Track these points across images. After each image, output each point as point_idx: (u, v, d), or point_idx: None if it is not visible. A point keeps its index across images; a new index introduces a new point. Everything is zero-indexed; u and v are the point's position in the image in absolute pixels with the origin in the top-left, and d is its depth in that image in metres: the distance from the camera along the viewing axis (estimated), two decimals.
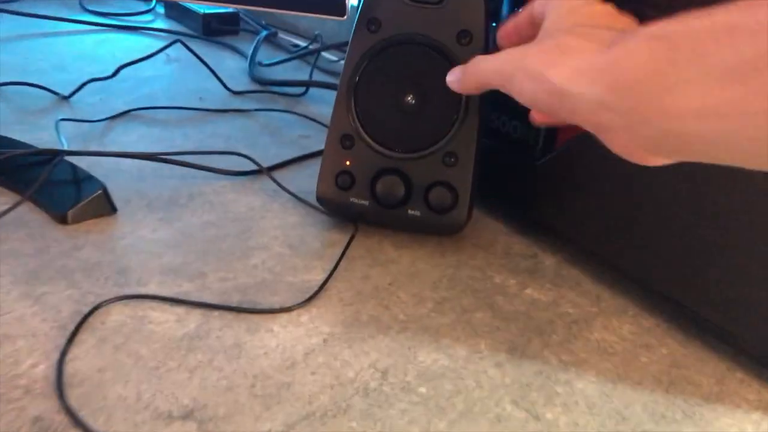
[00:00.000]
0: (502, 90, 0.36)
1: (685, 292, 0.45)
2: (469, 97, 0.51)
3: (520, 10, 0.41)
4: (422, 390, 0.39)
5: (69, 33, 1.01)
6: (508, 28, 0.42)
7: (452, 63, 0.50)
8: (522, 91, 0.34)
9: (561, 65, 0.31)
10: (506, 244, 0.55)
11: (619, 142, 0.31)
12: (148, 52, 0.82)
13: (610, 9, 0.36)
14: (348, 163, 0.53)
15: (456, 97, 0.51)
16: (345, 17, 0.50)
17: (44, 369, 0.37)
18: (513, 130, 0.57)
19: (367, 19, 0.51)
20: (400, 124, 0.52)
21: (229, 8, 0.46)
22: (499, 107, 0.57)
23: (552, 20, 0.36)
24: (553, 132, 0.53)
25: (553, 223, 0.54)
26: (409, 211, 0.52)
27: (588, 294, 0.49)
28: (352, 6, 0.53)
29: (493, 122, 0.58)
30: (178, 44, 0.82)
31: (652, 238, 0.47)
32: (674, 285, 0.46)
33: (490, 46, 0.51)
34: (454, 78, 0.42)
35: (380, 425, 0.36)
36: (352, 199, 0.53)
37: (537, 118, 0.42)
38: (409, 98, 0.51)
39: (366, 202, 0.52)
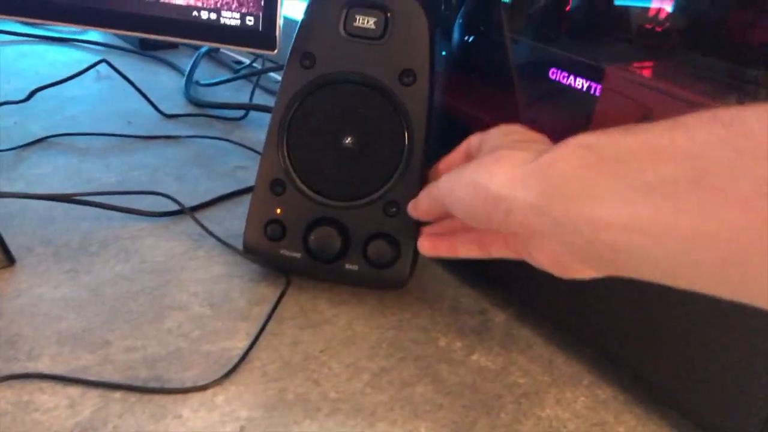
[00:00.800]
0: (447, 208, 0.37)
1: (641, 361, 0.41)
2: (412, 141, 0.46)
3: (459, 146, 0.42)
4: None
5: None
6: (447, 162, 0.43)
7: (394, 104, 0.46)
8: (459, 202, 0.35)
9: (496, 173, 0.32)
10: (453, 298, 0.51)
11: (549, 250, 0.31)
12: (75, 68, 0.75)
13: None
14: (279, 211, 0.47)
15: (398, 140, 0.46)
16: (275, 51, 0.45)
17: None
18: None
19: (301, 53, 0.46)
20: (336, 170, 0.47)
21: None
22: (444, 142, 0.53)
23: (490, 143, 0.37)
24: None
25: (502, 278, 0.50)
26: (347, 266, 0.47)
27: (540, 359, 0.45)
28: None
29: (436, 157, 0.53)
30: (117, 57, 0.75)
31: (604, 300, 0.43)
32: (629, 352, 0.42)
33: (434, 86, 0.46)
34: (410, 208, 0.43)
35: None
36: (282, 252, 0.47)
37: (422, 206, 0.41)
38: (347, 141, 0.46)
39: (298, 255, 0.47)
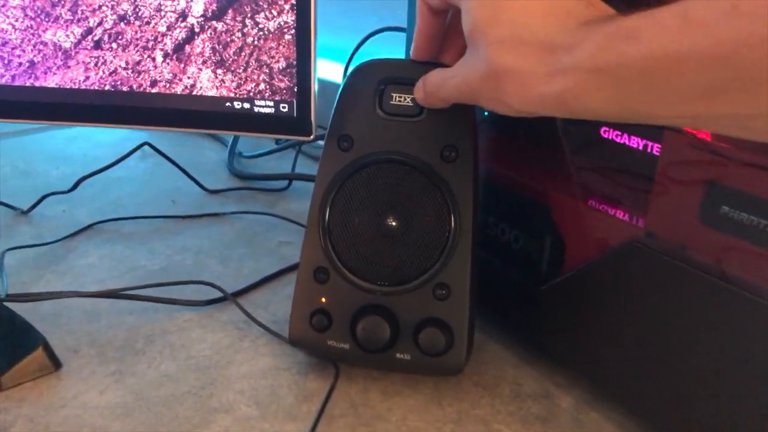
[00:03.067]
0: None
1: None
2: (459, 219, 0.44)
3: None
4: None
5: (39, 129, 0.95)
6: (420, 44, 0.41)
7: (436, 182, 0.43)
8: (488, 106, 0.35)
9: (510, 93, 0.32)
10: (514, 380, 0.47)
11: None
12: (121, 147, 0.76)
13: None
14: (323, 300, 0.45)
15: (444, 219, 0.44)
16: (312, 137, 0.43)
17: None
18: (514, 240, 0.50)
19: (338, 135, 0.45)
20: (380, 253, 0.45)
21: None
22: (496, 213, 0.50)
23: (475, 26, 0.33)
24: (560, 249, 0.46)
25: (566, 357, 0.46)
26: (398, 355, 0.44)
27: None
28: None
29: (489, 229, 0.51)
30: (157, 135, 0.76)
31: (678, 380, 0.39)
32: None
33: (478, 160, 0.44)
34: (418, 95, 0.42)
35: None
36: (330, 343, 0.45)
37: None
38: (390, 223, 0.44)
39: (347, 346, 0.45)
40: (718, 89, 0.25)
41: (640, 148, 0.42)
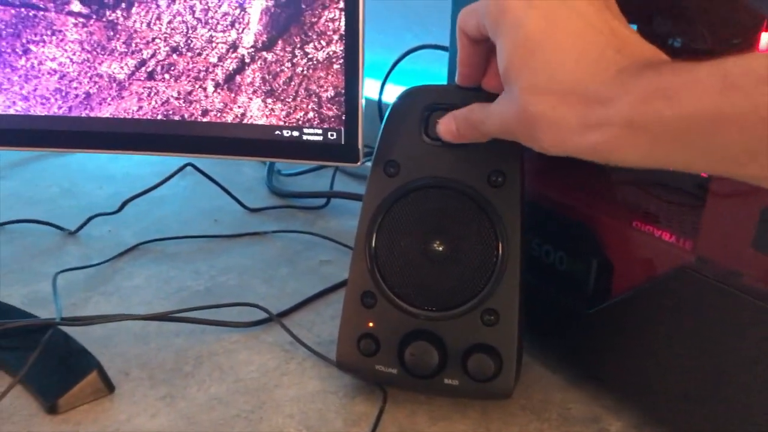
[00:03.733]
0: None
1: None
2: (506, 243, 0.44)
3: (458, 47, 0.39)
4: None
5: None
6: (462, 71, 0.41)
7: (483, 207, 0.43)
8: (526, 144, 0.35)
9: (545, 139, 0.32)
10: (562, 403, 0.47)
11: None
12: (161, 166, 0.77)
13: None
14: (371, 324, 0.46)
15: (491, 243, 0.44)
16: (359, 164, 0.44)
17: None
18: (559, 262, 0.49)
19: (385, 161, 0.45)
20: (428, 278, 0.45)
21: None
22: (541, 234, 0.50)
23: (508, 68, 0.33)
24: (607, 272, 0.46)
25: (614, 380, 0.46)
26: (446, 380, 0.44)
27: None
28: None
29: (534, 251, 0.50)
30: None
31: (728, 408, 0.38)
32: None
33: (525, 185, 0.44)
34: (446, 129, 0.41)
35: None
36: (378, 367, 0.45)
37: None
38: (437, 247, 0.44)
39: (395, 371, 0.45)
40: (755, 151, 0.25)
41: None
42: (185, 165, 0.73)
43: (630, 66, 0.29)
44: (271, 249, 0.69)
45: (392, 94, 0.46)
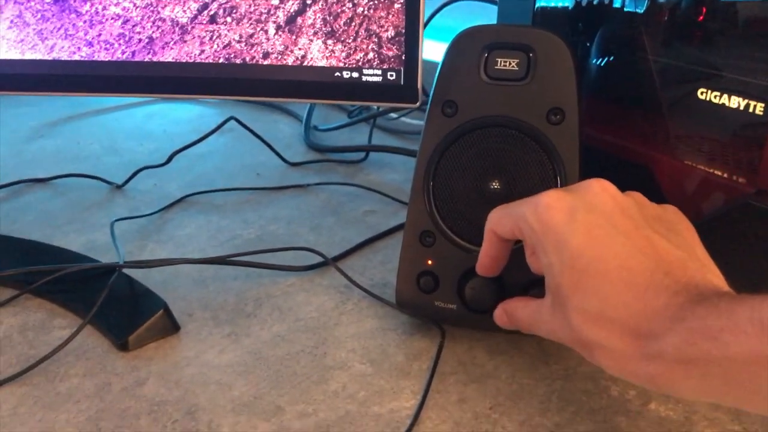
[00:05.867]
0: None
1: None
2: (564, 181, 0.44)
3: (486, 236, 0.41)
4: None
5: (117, 108, 0.99)
6: (484, 262, 0.42)
7: (542, 144, 0.44)
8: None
9: (602, 363, 0.33)
10: None
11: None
12: (197, 123, 0.78)
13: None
14: (430, 262, 0.47)
15: (549, 181, 0.44)
16: (417, 104, 0.44)
17: None
18: None
19: (443, 101, 0.46)
20: (486, 216, 0.46)
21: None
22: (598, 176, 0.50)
23: (558, 287, 0.34)
24: None
25: None
26: None
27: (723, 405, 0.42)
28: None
29: None
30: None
31: None
32: None
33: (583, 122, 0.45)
34: (500, 320, 0.42)
35: None
36: (437, 304, 0.47)
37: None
38: (494, 185, 0.45)
39: (453, 306, 0.46)
40: None
41: (742, 108, 0.42)
42: (228, 119, 0.74)
43: (678, 294, 0.30)
44: (314, 200, 0.70)
45: (428, 50, 0.46)
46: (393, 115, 0.88)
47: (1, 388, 0.43)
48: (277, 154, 0.77)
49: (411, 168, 0.48)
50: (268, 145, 0.77)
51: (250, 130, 0.76)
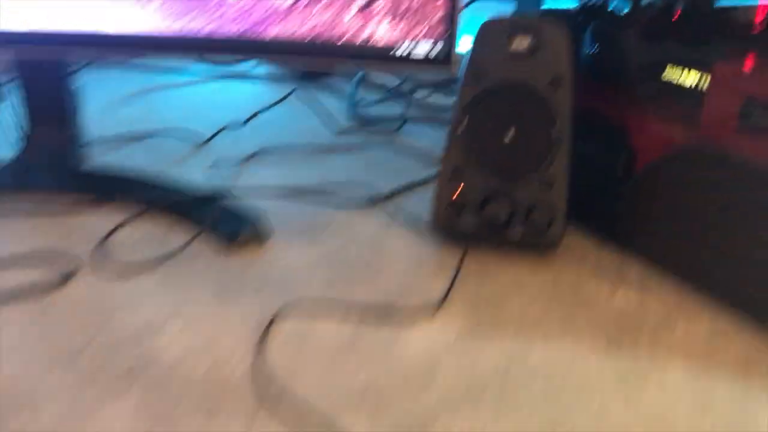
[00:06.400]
0: None
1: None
2: (561, 132, 0.60)
3: None
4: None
5: (186, 84, 1.15)
6: None
7: (546, 104, 0.60)
8: None
9: None
10: (596, 259, 0.64)
11: None
12: (255, 99, 0.94)
13: None
14: (458, 191, 0.63)
15: (550, 132, 0.60)
16: (452, 72, 0.60)
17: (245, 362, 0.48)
18: (595, 150, 0.66)
19: (473, 71, 0.62)
20: (502, 157, 0.61)
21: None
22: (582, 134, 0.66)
23: None
24: (630, 157, 0.62)
25: (632, 241, 0.63)
26: (512, 231, 0.61)
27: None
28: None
29: (577, 147, 0.67)
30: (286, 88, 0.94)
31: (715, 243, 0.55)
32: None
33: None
34: None
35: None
36: (463, 221, 0.63)
37: None
38: (511, 134, 0.61)
39: (476, 222, 0.62)
40: None
41: (693, 86, 0.58)
42: (292, 90, 0.90)
43: None
44: (362, 159, 0.86)
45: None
46: (423, 91, 1.04)
47: (142, 275, 0.59)
48: (329, 120, 0.94)
49: (437, 137, 0.64)
50: (321, 115, 0.93)
51: (314, 101, 0.92)
